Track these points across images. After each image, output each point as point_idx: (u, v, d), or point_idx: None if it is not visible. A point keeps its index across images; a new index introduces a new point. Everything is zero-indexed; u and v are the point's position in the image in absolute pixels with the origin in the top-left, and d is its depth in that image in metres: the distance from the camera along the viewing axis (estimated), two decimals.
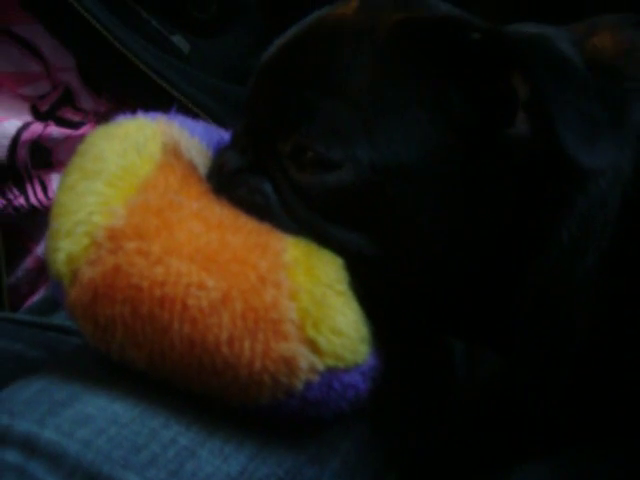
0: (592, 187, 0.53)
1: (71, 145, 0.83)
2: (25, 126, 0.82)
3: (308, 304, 0.49)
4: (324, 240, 0.52)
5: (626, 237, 0.54)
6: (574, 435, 0.62)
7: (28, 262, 0.85)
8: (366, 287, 0.52)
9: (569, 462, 0.62)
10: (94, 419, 0.49)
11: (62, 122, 0.84)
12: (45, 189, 0.84)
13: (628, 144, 0.52)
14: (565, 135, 0.47)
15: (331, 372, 0.49)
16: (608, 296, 0.54)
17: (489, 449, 0.67)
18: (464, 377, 0.73)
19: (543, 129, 0.50)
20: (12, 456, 0.47)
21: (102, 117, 0.84)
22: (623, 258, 0.54)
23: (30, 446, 0.47)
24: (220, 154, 0.59)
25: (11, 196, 0.84)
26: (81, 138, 0.59)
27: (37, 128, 0.83)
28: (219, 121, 0.78)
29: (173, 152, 0.57)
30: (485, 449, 0.68)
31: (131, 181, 0.53)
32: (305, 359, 0.48)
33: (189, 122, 0.63)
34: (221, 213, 0.52)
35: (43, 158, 0.84)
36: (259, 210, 0.54)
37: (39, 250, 0.85)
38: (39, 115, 0.85)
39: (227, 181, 0.56)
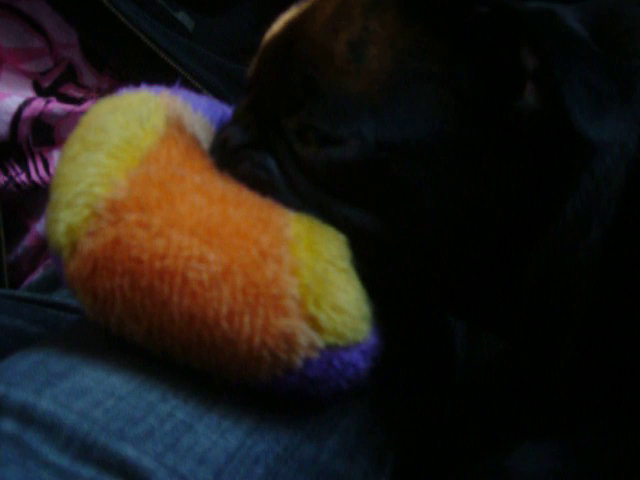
0: (597, 164, 0.53)
1: (73, 122, 0.81)
2: (27, 102, 0.82)
3: (309, 280, 0.48)
4: (327, 216, 0.52)
5: (630, 214, 0.53)
6: (575, 415, 0.62)
7: (27, 240, 0.85)
8: (368, 265, 0.52)
9: (569, 442, 0.61)
10: (91, 391, 0.49)
11: (64, 98, 0.84)
12: (47, 166, 0.84)
13: (634, 120, 0.52)
14: (573, 108, 0.47)
15: (331, 350, 0.49)
16: (611, 272, 0.54)
17: (489, 429, 0.67)
18: (465, 358, 0.73)
19: (551, 101, 0.50)
20: (8, 425, 0.47)
21: (104, 93, 0.83)
22: (627, 235, 0.54)
23: (26, 416, 0.47)
24: (223, 129, 0.58)
25: (13, 173, 0.84)
26: (83, 114, 0.59)
27: (39, 104, 0.82)
28: (222, 98, 0.78)
29: (176, 125, 0.56)
30: (485, 429, 0.68)
31: (133, 153, 0.52)
32: (305, 336, 0.48)
33: (193, 96, 0.62)
34: (224, 187, 0.52)
35: (45, 135, 0.83)
36: (262, 185, 0.53)
37: (38, 227, 0.85)
38: (41, 91, 0.84)
39: (230, 156, 0.55)
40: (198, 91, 0.78)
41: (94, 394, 0.49)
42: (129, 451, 0.47)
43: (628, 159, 0.53)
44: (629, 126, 0.50)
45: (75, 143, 0.54)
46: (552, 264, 0.55)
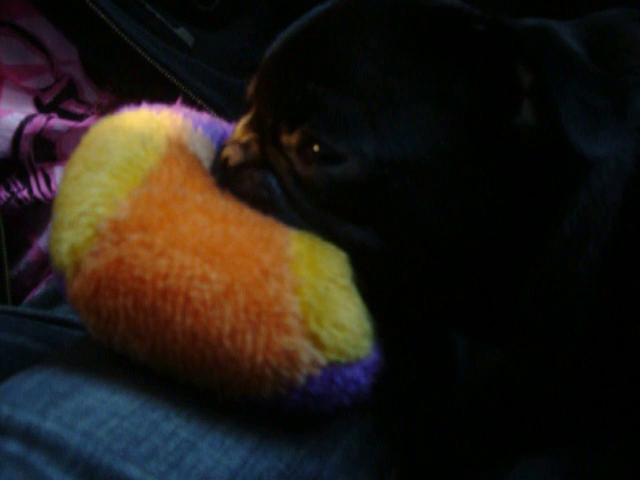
0: (594, 180, 0.53)
1: (74, 137, 0.83)
2: (28, 119, 0.83)
3: (311, 298, 0.49)
4: (329, 234, 0.52)
5: (627, 229, 0.54)
6: (574, 429, 0.62)
7: (30, 255, 0.85)
8: (369, 281, 0.52)
9: (569, 455, 0.62)
10: (95, 411, 0.49)
11: (65, 114, 0.85)
12: (48, 182, 0.84)
13: (629, 136, 0.52)
14: (568, 123, 0.47)
15: (333, 366, 0.49)
16: (609, 287, 0.55)
17: (490, 443, 0.67)
18: (466, 372, 0.73)
19: (547, 117, 0.50)
20: (13, 447, 0.47)
21: (105, 109, 0.84)
22: (624, 250, 0.54)
23: (31, 437, 0.47)
24: (223, 148, 0.59)
25: (15, 189, 0.84)
26: (84, 130, 0.59)
27: (40, 121, 0.83)
28: (223, 114, 0.78)
29: (177, 145, 0.57)
30: (486, 443, 0.68)
31: (135, 173, 0.53)
32: (307, 353, 0.48)
33: (193, 115, 0.63)
34: (225, 206, 0.52)
35: (46, 151, 0.84)
36: (264, 204, 0.54)
37: (41, 243, 0.85)
38: (42, 108, 0.85)
39: (231, 175, 0.56)
40: (198, 107, 0.79)
41: (98, 414, 0.49)
42: (133, 471, 0.47)
43: (624, 175, 0.54)
44: (624, 142, 0.51)
45: (77, 163, 0.54)
46: (550, 279, 0.55)
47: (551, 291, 0.56)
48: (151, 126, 0.57)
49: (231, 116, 0.69)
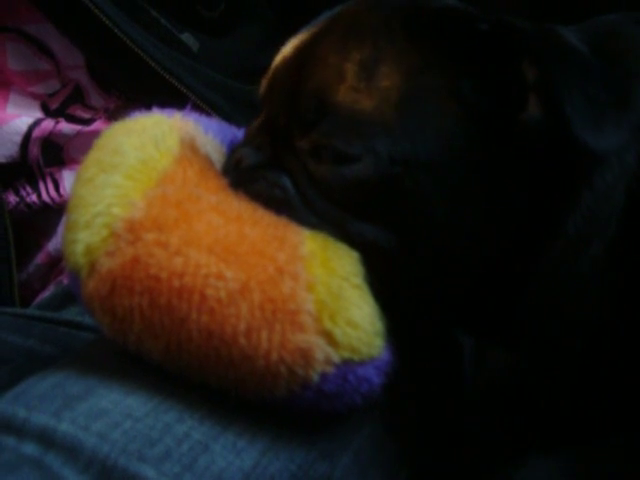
0: (597, 180, 0.54)
1: (82, 141, 0.83)
2: (36, 122, 0.83)
3: (325, 296, 0.49)
4: (342, 232, 0.53)
5: (630, 229, 0.54)
6: (581, 429, 0.62)
7: (39, 258, 0.86)
8: (382, 281, 0.52)
9: (575, 457, 0.62)
10: (109, 413, 0.49)
11: (72, 119, 0.85)
12: (57, 186, 0.85)
13: (632, 136, 0.53)
14: (572, 116, 0.48)
15: (346, 364, 0.49)
16: (614, 287, 0.55)
17: (497, 444, 0.68)
18: (472, 373, 0.74)
19: (552, 111, 0.51)
20: (30, 448, 0.47)
21: (112, 114, 0.85)
22: (628, 249, 0.55)
23: (47, 439, 0.47)
24: (236, 150, 0.59)
25: (24, 193, 0.85)
26: (92, 134, 0.60)
27: (48, 125, 0.83)
28: (228, 119, 0.79)
29: (190, 147, 0.57)
30: (493, 444, 0.68)
31: (150, 174, 0.53)
32: (321, 350, 0.48)
33: (203, 119, 0.63)
34: (239, 206, 0.53)
35: (54, 155, 0.84)
36: (278, 204, 0.54)
37: (50, 246, 0.85)
38: (49, 113, 0.85)
39: (245, 176, 0.56)
40: (205, 112, 0.79)
41: (112, 416, 0.49)
42: (148, 472, 0.47)
43: (627, 175, 0.55)
44: (627, 135, 0.51)
45: (91, 165, 0.55)
46: (555, 278, 0.56)
47: (557, 289, 0.56)
48: (163, 128, 0.57)
49: (237, 121, 0.70)
